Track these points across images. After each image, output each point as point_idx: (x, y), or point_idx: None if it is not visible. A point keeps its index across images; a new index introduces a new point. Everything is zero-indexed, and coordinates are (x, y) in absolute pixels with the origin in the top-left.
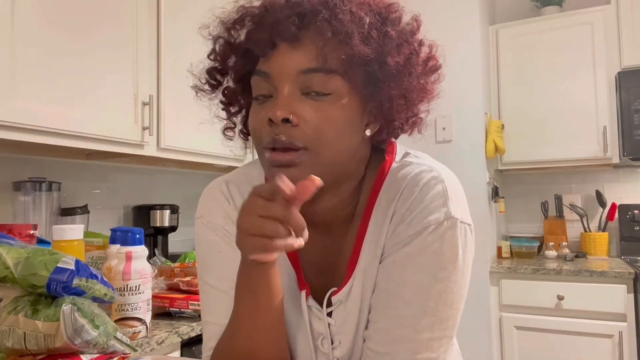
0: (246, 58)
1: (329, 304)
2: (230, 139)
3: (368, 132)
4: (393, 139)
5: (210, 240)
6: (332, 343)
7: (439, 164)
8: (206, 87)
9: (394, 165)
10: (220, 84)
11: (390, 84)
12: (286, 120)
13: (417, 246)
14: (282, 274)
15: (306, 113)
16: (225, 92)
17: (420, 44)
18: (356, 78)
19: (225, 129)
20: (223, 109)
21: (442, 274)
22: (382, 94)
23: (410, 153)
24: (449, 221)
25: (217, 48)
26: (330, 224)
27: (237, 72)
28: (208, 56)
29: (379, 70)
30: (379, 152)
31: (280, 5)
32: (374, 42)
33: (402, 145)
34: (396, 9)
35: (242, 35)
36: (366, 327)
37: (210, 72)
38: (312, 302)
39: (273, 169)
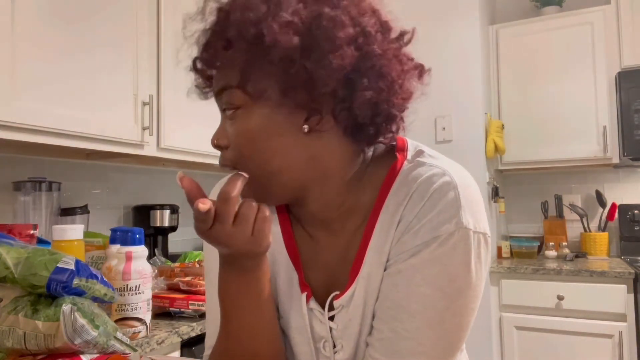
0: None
1: (331, 308)
2: None
3: (306, 128)
4: (404, 137)
5: None
6: (334, 347)
7: (454, 166)
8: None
9: (406, 165)
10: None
11: (286, 68)
12: (217, 146)
13: (424, 257)
14: (282, 275)
15: (229, 134)
16: None
17: (294, 13)
18: (253, 82)
19: None
20: None
21: (450, 288)
22: (288, 82)
23: (425, 152)
24: (461, 232)
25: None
26: (332, 223)
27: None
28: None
29: (266, 62)
30: (387, 147)
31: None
32: (241, 38)
33: (415, 142)
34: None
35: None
36: (370, 333)
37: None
38: (313, 304)
39: None
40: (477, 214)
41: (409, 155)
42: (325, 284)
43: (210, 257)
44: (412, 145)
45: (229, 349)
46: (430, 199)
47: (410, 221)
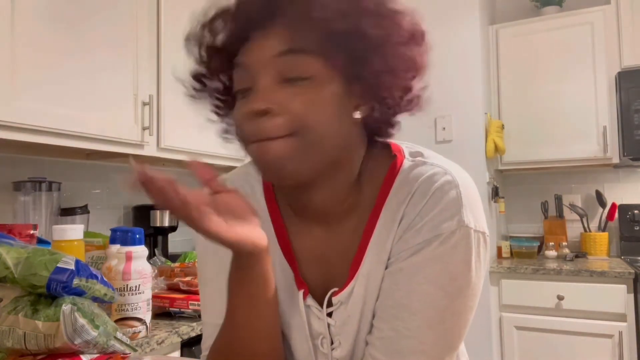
0: (227, 57)
1: (330, 304)
2: (230, 141)
3: (357, 115)
4: (393, 140)
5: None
6: (332, 343)
7: (454, 165)
8: (194, 92)
9: (406, 163)
10: (205, 86)
11: (374, 59)
12: (266, 112)
13: (425, 256)
14: (278, 272)
15: (287, 100)
16: (215, 95)
17: (400, 13)
18: (336, 57)
19: (224, 131)
20: (215, 112)
21: (451, 286)
22: (366, 71)
23: (423, 152)
24: (462, 230)
25: (199, 52)
26: (330, 218)
27: (221, 73)
28: (195, 61)
29: (360, 46)
30: (382, 147)
31: None
32: (350, 16)
33: (408, 143)
34: None
35: (221, 36)
36: (370, 331)
37: (195, 76)
38: (311, 301)
39: (261, 162)
40: (477, 213)
41: (406, 153)
42: (322, 279)
43: (203, 258)
44: (405, 146)
45: (229, 346)
46: (433, 197)
47: (412, 219)
